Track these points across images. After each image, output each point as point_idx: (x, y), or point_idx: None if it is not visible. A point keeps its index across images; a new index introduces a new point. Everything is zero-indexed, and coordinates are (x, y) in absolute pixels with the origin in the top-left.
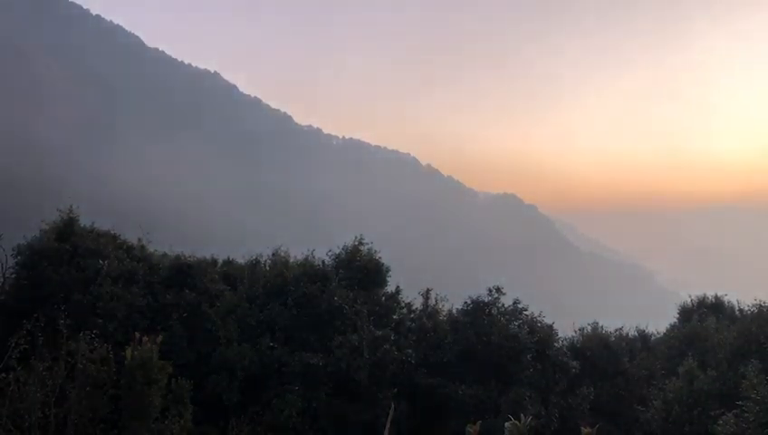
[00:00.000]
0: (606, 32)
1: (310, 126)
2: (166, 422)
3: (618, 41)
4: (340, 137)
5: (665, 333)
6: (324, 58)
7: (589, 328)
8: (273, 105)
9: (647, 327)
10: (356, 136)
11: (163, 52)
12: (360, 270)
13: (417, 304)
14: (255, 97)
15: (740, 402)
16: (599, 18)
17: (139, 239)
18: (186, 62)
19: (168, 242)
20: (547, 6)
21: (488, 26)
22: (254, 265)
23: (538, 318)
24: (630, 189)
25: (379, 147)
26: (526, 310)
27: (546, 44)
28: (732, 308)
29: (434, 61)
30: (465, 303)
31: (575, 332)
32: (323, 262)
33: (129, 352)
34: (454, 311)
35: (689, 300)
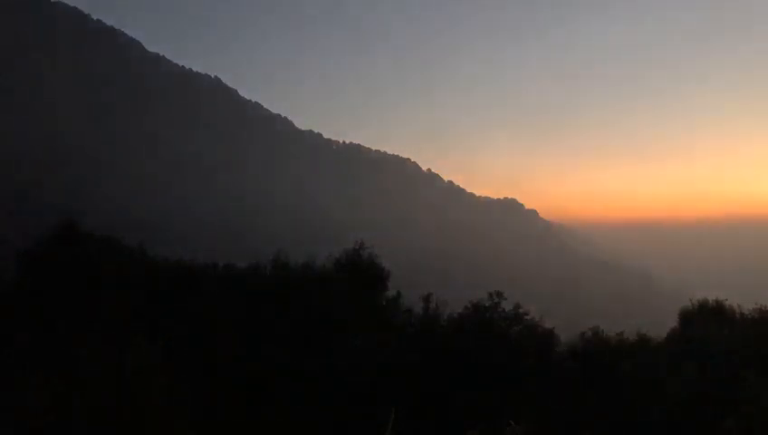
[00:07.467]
0: (611, 35)
1: (310, 130)
2: (166, 428)
3: (624, 44)
4: (341, 141)
5: (666, 338)
6: (324, 62)
7: (590, 333)
8: (274, 110)
9: (647, 331)
10: (356, 140)
11: (164, 56)
12: (361, 274)
13: (418, 308)
14: (256, 102)
15: (741, 407)
16: (606, 20)
17: (140, 244)
18: (186, 66)
19: (168, 247)
20: (548, 6)
21: (489, 29)
22: (255, 269)
23: (539, 323)
24: (632, 194)
25: (379, 151)
26: (527, 314)
27: (548, 46)
28: (733, 312)
29: (434, 63)
30: (466, 307)
31: (576, 337)
32: (324, 266)
33: (129, 357)
34: (455, 315)
35: (690, 304)
